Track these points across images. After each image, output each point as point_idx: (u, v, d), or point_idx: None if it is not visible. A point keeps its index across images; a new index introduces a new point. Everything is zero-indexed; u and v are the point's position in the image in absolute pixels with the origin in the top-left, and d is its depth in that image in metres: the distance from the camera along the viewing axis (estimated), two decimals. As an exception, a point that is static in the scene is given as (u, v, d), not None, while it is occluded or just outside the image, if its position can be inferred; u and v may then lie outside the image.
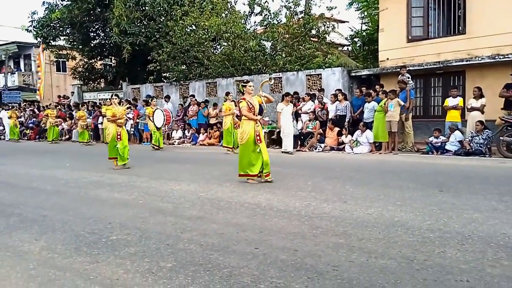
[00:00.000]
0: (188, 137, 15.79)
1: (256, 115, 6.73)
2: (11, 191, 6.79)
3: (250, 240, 3.85)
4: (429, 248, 3.48)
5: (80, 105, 18.44)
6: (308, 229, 4.15)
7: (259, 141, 6.62)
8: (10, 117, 19.53)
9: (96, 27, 21.58)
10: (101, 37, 21.98)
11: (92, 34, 21.85)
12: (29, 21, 20.78)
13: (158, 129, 13.22)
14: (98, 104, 19.72)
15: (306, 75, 14.54)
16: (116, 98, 9.21)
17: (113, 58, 24.32)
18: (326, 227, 4.18)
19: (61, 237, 4.17)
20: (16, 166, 10.17)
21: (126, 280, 3.08)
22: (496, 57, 11.30)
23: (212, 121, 15.30)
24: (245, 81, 7.00)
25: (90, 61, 23.13)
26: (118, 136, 8.82)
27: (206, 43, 17.57)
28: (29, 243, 4.03)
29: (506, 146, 9.32)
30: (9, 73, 29.31)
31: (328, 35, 17.21)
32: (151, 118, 13.15)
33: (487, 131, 9.67)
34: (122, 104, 9.41)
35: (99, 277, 3.15)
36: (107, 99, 19.68)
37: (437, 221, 4.25)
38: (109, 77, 23.48)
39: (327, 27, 16.82)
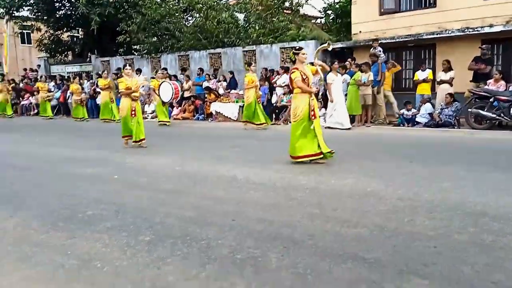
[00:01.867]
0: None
1: (311, 87, 6.00)
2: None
3: (227, 213, 3.90)
4: (399, 217, 3.62)
5: (72, 79, 16.69)
6: (284, 200, 4.23)
7: (313, 117, 5.86)
8: (0, 91, 17.51)
9: (61, -4, 20.65)
10: (67, 7, 21.06)
11: (58, 4, 20.88)
12: (-9, -9, 19.67)
13: (164, 104, 12.07)
14: (66, 77, 19.09)
15: (280, 48, 14.44)
16: (129, 69, 8.18)
17: (80, 29, 23.43)
18: (301, 199, 4.27)
19: (36, 213, 4.11)
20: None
21: (105, 254, 3.08)
22: (466, 31, 11.50)
23: (186, 94, 15.10)
24: (297, 48, 6.11)
25: (56, 32, 22.19)
26: (133, 112, 7.93)
27: (177, 14, 17.14)
28: (4, 220, 3.95)
29: (474, 118, 9.61)
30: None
31: (302, 8, 17.06)
32: (157, 91, 11.85)
33: (456, 103, 9.93)
34: (138, 75, 8.45)
35: (77, 252, 3.14)
36: (84, 72, 19.00)
37: (407, 191, 4.40)
38: (76, 49, 22.64)
39: (300, -1, 16.65)
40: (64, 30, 22.37)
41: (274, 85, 12.66)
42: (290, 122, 10.15)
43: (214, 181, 5.13)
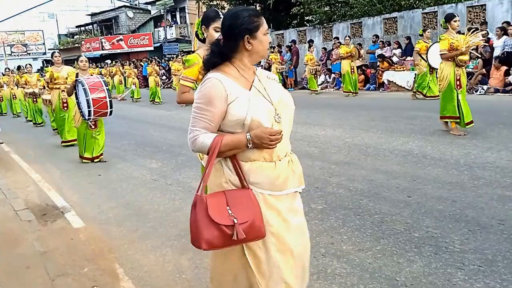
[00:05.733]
0: (331, 82, 15.56)
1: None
2: (177, 134, 7.67)
3: (401, 188, 3.73)
4: None
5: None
6: (468, 179, 3.82)
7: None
8: None
9: (241, -26, 22.12)
10: (247, -16, 22.49)
11: (239, -19, 22.47)
12: (182, -27, 22.32)
13: (432, 71, 9.26)
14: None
15: (467, 6, 12.75)
16: (457, 19, 5.70)
17: (258, 5, 24.82)
18: (490, 178, 3.79)
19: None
20: (181, 111, 11.35)
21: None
22: None
23: (357, 63, 14.69)
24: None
25: (237, 10, 24.03)
26: (458, 83, 5.65)
27: (351, -20, 16.60)
28: (195, 180, 4.55)
29: None
30: (168, 26, 32.15)
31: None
32: (423, 55, 9.46)
33: None
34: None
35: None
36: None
37: None
38: (254, 25, 24.17)
39: None
40: (244, 6, 24.03)
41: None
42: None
43: (387, 155, 4.93)
